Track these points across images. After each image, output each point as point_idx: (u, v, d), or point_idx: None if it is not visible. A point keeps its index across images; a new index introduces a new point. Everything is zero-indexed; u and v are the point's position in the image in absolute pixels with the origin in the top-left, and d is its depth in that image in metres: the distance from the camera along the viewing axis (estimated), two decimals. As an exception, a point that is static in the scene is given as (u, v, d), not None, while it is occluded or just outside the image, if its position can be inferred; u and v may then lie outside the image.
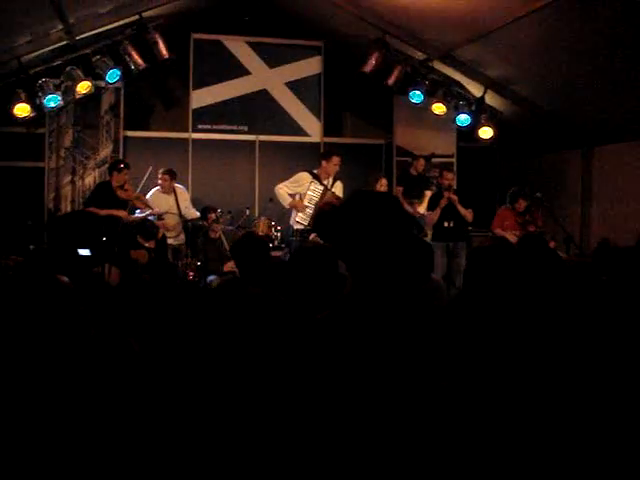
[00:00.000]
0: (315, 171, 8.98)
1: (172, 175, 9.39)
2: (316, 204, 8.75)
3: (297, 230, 8.87)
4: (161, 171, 9.36)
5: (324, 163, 8.92)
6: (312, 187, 8.80)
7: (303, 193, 8.83)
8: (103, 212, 8.71)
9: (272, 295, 2.56)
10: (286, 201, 8.95)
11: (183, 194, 9.63)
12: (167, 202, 9.36)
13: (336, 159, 8.89)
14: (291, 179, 9.06)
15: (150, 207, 9.12)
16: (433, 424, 1.82)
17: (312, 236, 8.49)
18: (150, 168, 9.25)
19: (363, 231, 1.98)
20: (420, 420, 1.81)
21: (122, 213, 8.86)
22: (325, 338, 1.95)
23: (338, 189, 8.98)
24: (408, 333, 1.89)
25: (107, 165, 9.73)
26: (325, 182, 8.90)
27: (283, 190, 8.97)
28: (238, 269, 4.34)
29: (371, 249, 1.97)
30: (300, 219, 8.80)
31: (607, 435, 2.10)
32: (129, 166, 9.20)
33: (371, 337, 1.87)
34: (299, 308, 3.18)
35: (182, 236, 9.47)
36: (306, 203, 8.79)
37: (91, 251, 6.99)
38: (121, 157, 10.09)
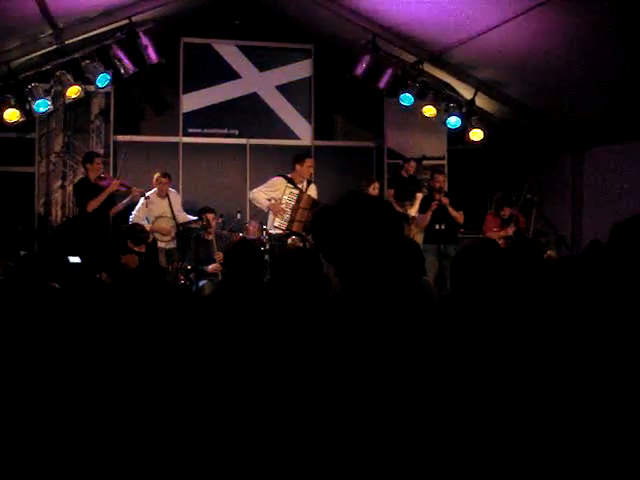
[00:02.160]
0: (289, 175, 9.03)
1: (169, 178, 9.41)
2: (293, 208, 8.88)
3: (275, 235, 8.92)
4: (160, 174, 9.33)
5: (298, 167, 9.05)
6: (288, 192, 8.94)
7: (278, 198, 8.93)
8: (102, 197, 8.77)
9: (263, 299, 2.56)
10: (264, 204, 9.06)
11: (176, 198, 9.63)
12: (161, 206, 9.35)
13: (309, 161, 9.06)
14: (266, 184, 9.20)
15: (131, 187, 9.11)
16: (426, 426, 1.81)
17: (290, 240, 8.58)
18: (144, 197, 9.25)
19: (353, 233, 1.98)
20: (412, 422, 1.81)
21: (114, 185, 8.88)
22: (315, 341, 1.94)
23: (312, 192, 9.12)
24: (398, 335, 1.88)
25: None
26: (300, 186, 8.98)
27: (259, 194, 9.09)
28: (229, 274, 4.32)
29: (361, 252, 1.96)
30: (278, 224, 8.91)
31: (599, 439, 2.10)
32: (100, 155, 9.34)
33: (360, 340, 1.87)
34: (285, 311, 3.18)
35: (175, 239, 9.46)
36: (283, 207, 8.89)
37: (81, 258, 6.98)
38: (112, 161, 10.10)
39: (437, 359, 1.89)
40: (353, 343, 1.87)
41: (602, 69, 8.06)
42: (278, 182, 9.07)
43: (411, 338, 1.90)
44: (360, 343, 1.87)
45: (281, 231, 8.88)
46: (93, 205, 8.73)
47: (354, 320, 1.93)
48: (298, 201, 8.90)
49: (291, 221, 8.83)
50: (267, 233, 8.87)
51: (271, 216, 9.08)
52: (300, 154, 9.45)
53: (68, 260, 6.06)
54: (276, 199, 8.96)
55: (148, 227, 8.97)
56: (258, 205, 9.14)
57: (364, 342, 1.87)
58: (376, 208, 2.04)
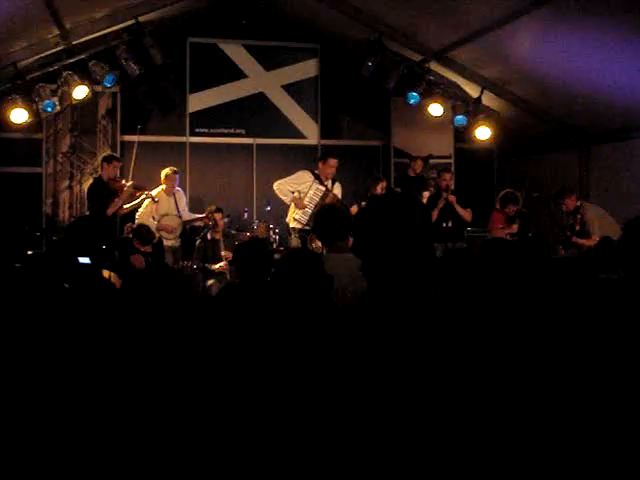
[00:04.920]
0: (316, 172, 9.02)
1: (179, 176, 9.46)
2: (316, 204, 8.78)
3: (294, 229, 8.88)
4: (170, 172, 9.36)
5: (320, 165, 8.98)
6: (314, 187, 8.85)
7: (303, 192, 8.86)
8: (119, 202, 8.92)
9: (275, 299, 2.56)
10: (288, 196, 8.97)
11: (181, 196, 9.67)
12: (168, 204, 9.38)
13: (332, 161, 8.92)
14: (292, 176, 9.10)
15: (143, 191, 9.20)
16: (435, 424, 1.82)
17: (312, 243, 8.45)
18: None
19: (391, 233, 1.98)
20: (424, 420, 1.81)
21: (128, 188, 8.96)
22: (340, 337, 1.95)
23: (337, 191, 9.03)
24: (421, 334, 1.88)
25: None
26: (326, 183, 8.95)
27: (284, 186, 9.01)
28: (238, 273, 4.33)
29: (394, 252, 1.97)
30: (299, 217, 8.83)
31: (602, 438, 2.10)
32: (119, 159, 9.38)
33: (386, 337, 1.87)
34: (289, 309, 3.20)
35: (179, 238, 9.49)
36: (306, 202, 8.83)
37: (91, 259, 6.99)
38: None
39: (453, 358, 1.89)
40: (377, 340, 1.87)
41: (609, 66, 8.03)
42: (304, 176, 9.02)
43: (431, 337, 1.90)
44: (384, 340, 1.87)
45: (300, 225, 8.84)
46: (112, 209, 8.83)
47: (380, 317, 1.93)
48: (323, 198, 8.84)
49: (312, 216, 8.76)
50: (289, 229, 8.86)
51: (292, 209, 9.05)
52: (324, 152, 9.44)
53: (77, 260, 6.05)
54: (301, 192, 8.93)
55: (154, 225, 8.98)
56: (282, 197, 9.05)
57: (388, 340, 1.87)
58: (415, 209, 2.05)
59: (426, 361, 1.85)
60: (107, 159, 9.15)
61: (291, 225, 8.92)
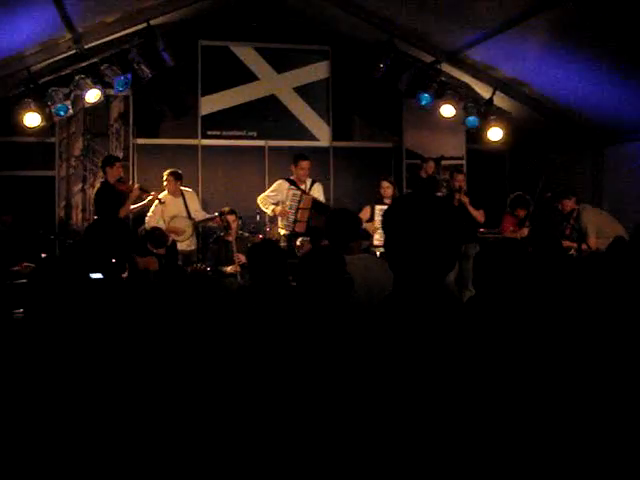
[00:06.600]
0: (292, 177, 9.21)
1: (176, 176, 9.42)
2: (296, 209, 9.00)
3: (284, 236, 9.04)
4: (165, 174, 9.41)
5: (293, 169, 9.23)
6: (290, 193, 9.06)
7: (283, 201, 9.03)
8: (129, 203, 9.06)
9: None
10: (269, 209, 9.26)
11: (192, 197, 9.68)
12: (176, 206, 9.39)
13: (303, 163, 9.16)
14: (270, 188, 9.43)
15: (149, 192, 9.28)
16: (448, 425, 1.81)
17: (299, 240, 8.64)
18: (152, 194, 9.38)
19: (420, 235, 1.97)
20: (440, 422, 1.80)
21: (135, 190, 9.10)
22: (367, 338, 1.94)
23: (316, 191, 9.23)
24: (443, 334, 1.87)
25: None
26: (302, 186, 9.16)
27: (265, 200, 9.32)
28: (251, 274, 4.33)
29: (424, 253, 1.96)
30: (285, 224, 9.03)
31: (619, 435, 2.09)
32: (120, 159, 9.47)
33: (411, 337, 1.86)
34: (309, 310, 3.18)
35: (194, 240, 9.49)
36: (287, 209, 9.00)
37: (103, 274, 7.00)
38: (132, 165, 10.22)
39: (466, 359, 1.88)
40: (402, 341, 1.86)
41: (622, 66, 7.99)
42: (281, 185, 9.27)
43: (452, 337, 1.89)
44: (409, 341, 1.86)
45: (288, 231, 9.04)
46: (124, 212, 8.93)
47: (404, 318, 1.92)
48: (299, 202, 9.02)
49: (294, 222, 8.99)
50: (280, 236, 9.02)
51: (278, 219, 9.30)
52: (297, 155, 9.50)
53: (90, 277, 6.04)
54: (282, 202, 9.11)
55: (163, 227, 9.00)
56: (265, 210, 9.35)
57: (413, 340, 1.86)
58: (447, 210, 2.04)
59: (454, 361, 1.84)
60: (108, 162, 9.18)
61: (282, 233, 9.10)
